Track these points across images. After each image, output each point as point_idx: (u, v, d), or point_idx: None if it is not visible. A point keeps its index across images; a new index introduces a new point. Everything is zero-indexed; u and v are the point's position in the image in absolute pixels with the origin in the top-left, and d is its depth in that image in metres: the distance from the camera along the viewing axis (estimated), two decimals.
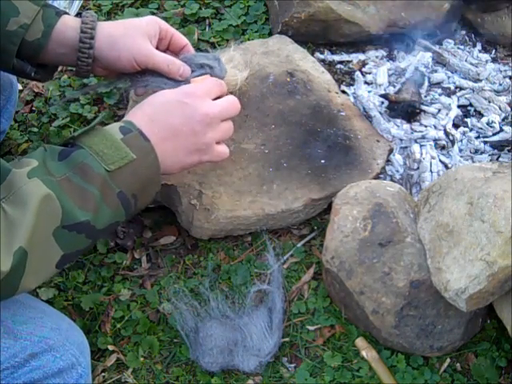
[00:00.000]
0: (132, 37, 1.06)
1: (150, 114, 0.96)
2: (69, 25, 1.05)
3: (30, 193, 0.78)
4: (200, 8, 1.72)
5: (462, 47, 1.60)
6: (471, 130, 1.41)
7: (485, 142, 1.38)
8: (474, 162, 1.36)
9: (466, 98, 1.47)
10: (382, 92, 1.47)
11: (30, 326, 0.91)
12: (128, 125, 0.92)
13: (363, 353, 1.14)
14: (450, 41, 1.60)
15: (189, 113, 0.99)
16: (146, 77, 1.12)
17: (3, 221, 0.76)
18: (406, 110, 1.42)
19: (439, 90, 1.49)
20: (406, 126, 1.42)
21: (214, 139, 1.03)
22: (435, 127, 1.41)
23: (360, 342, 1.15)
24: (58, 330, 0.93)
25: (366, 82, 1.52)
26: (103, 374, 1.14)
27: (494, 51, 1.59)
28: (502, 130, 1.39)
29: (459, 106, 1.46)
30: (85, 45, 1.05)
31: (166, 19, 1.71)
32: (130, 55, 1.06)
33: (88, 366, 0.97)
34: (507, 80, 1.50)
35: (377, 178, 1.30)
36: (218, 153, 1.05)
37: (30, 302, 0.97)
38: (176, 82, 1.11)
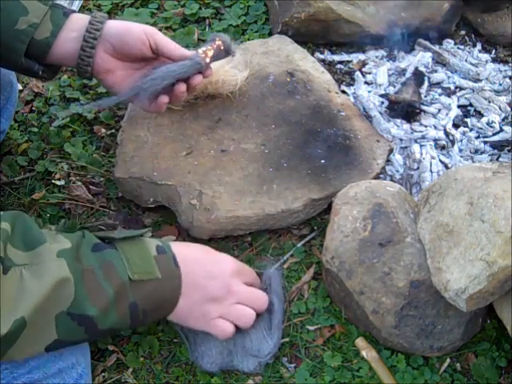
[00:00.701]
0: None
1: (190, 256, 1.01)
2: (77, 24, 1.08)
3: (52, 271, 0.80)
4: (200, 8, 1.72)
5: (461, 47, 1.60)
6: (471, 130, 1.41)
7: (485, 142, 1.38)
8: (474, 161, 1.36)
9: (465, 97, 1.47)
10: (382, 92, 1.47)
11: None
12: (165, 246, 0.95)
13: (363, 353, 1.14)
14: (449, 41, 1.60)
15: (221, 286, 1.03)
16: (152, 74, 1.12)
17: (17, 285, 0.77)
18: (406, 110, 1.42)
19: (439, 90, 1.49)
20: (406, 125, 1.42)
21: (224, 313, 1.05)
22: (435, 127, 1.41)
23: (360, 342, 1.15)
24: None
25: (366, 82, 1.52)
26: (103, 374, 1.14)
27: (494, 51, 1.59)
28: (502, 129, 1.39)
29: (459, 106, 1.46)
30: (88, 44, 1.07)
31: (165, 19, 1.72)
32: (139, 28, 1.10)
33: (88, 365, 0.98)
34: (507, 80, 1.50)
35: (377, 178, 1.30)
36: (221, 328, 1.06)
37: None
38: (184, 63, 1.12)
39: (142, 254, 0.91)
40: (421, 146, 1.38)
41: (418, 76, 1.49)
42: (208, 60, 1.17)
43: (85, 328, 0.84)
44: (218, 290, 1.02)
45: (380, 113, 1.43)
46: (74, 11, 1.09)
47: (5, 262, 0.77)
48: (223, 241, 1.28)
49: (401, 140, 1.39)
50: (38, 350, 0.84)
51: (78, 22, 1.08)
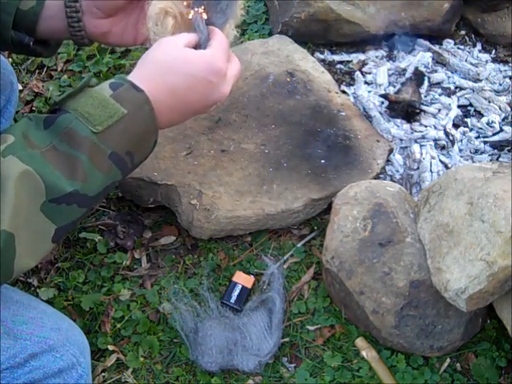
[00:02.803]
0: None
1: (152, 72, 0.88)
2: None
3: (5, 173, 0.74)
4: None
5: (462, 47, 1.60)
6: (471, 130, 1.41)
7: (485, 142, 1.38)
8: (474, 161, 1.36)
9: (465, 97, 1.47)
10: (382, 92, 1.47)
11: (31, 326, 0.91)
12: (118, 79, 0.84)
13: (363, 353, 1.14)
14: (449, 41, 1.60)
15: (209, 93, 0.91)
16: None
17: None
18: (406, 110, 1.42)
19: (439, 90, 1.49)
20: (406, 125, 1.42)
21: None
22: (435, 127, 1.41)
23: (360, 342, 1.15)
24: (59, 330, 0.93)
25: (366, 82, 1.52)
26: (103, 373, 1.14)
27: (494, 51, 1.59)
28: (501, 130, 1.39)
29: (459, 106, 1.46)
30: (71, 9, 1.01)
31: None
32: None
33: (88, 366, 0.97)
34: (507, 80, 1.50)
35: (377, 178, 1.30)
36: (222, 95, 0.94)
37: (31, 302, 0.97)
38: None
39: (96, 101, 0.81)
40: (421, 146, 1.38)
41: (418, 76, 1.49)
42: None
43: (77, 204, 0.79)
44: (211, 102, 0.92)
45: (380, 113, 1.43)
46: None
47: None
48: (223, 241, 1.29)
49: (401, 140, 1.39)
50: (47, 247, 0.80)
51: None
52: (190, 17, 0.98)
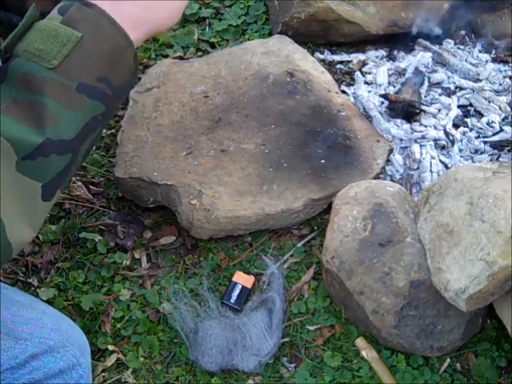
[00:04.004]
0: None
1: None
2: None
3: None
4: (200, 8, 1.72)
5: (462, 47, 1.60)
6: (471, 130, 1.41)
7: (485, 142, 1.38)
8: (474, 161, 1.35)
9: (466, 97, 1.47)
10: (382, 92, 1.47)
11: (31, 326, 0.91)
12: (67, 1, 0.74)
13: (363, 353, 1.14)
14: (449, 41, 1.60)
15: None
16: None
17: None
18: (406, 110, 1.42)
19: (439, 90, 1.49)
20: (406, 125, 1.42)
21: None
22: (435, 127, 1.41)
23: (360, 342, 1.15)
24: (59, 330, 0.93)
25: (366, 82, 1.52)
26: (103, 373, 1.14)
27: (494, 51, 1.59)
28: (501, 130, 1.39)
29: (459, 106, 1.46)
30: None
31: None
32: None
33: (88, 366, 0.97)
34: (507, 80, 1.50)
35: (377, 178, 1.30)
36: None
37: (31, 302, 0.97)
38: None
39: (45, 34, 0.72)
40: (421, 146, 1.38)
41: (418, 76, 1.49)
42: None
43: (56, 153, 0.70)
44: None
45: (380, 113, 1.43)
46: None
47: None
48: (223, 241, 1.29)
49: (401, 140, 1.39)
50: (40, 209, 0.73)
51: None
52: None
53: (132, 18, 0.76)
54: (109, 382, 1.14)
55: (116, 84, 0.75)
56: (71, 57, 0.70)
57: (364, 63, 1.56)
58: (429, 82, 1.50)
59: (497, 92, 1.48)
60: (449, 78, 1.52)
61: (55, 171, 0.72)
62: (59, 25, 0.71)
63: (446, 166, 1.35)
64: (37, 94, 0.69)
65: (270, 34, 1.62)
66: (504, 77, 1.51)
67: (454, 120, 1.42)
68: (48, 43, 0.71)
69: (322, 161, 1.29)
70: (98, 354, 1.16)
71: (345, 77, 1.55)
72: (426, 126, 1.42)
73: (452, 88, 1.49)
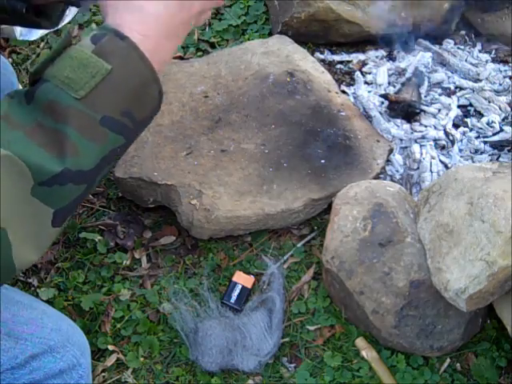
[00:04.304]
0: None
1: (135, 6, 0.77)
2: None
3: None
4: None
5: (462, 47, 1.60)
6: (471, 130, 1.41)
7: (485, 142, 1.38)
8: (474, 161, 1.35)
9: (466, 97, 1.47)
10: (382, 92, 1.47)
11: (31, 326, 0.91)
12: (102, 29, 0.74)
13: (363, 353, 1.14)
14: (449, 41, 1.60)
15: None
16: None
17: None
18: (406, 110, 1.42)
19: (439, 90, 1.49)
20: (406, 126, 1.42)
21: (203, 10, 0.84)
22: (435, 127, 1.41)
23: (360, 342, 1.15)
24: (59, 330, 0.93)
25: (366, 82, 1.52)
26: (103, 373, 1.14)
27: (494, 51, 1.59)
28: (501, 130, 1.39)
29: (459, 106, 1.46)
30: None
31: None
32: None
33: (88, 366, 0.97)
34: (507, 80, 1.50)
35: (377, 178, 1.30)
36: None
37: (31, 302, 0.97)
38: None
39: (75, 62, 0.72)
40: (421, 145, 1.38)
41: (418, 76, 1.49)
42: None
43: (72, 182, 0.71)
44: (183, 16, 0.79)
45: (380, 113, 1.43)
46: None
47: None
48: (223, 241, 1.29)
49: (401, 140, 1.39)
50: (48, 234, 0.73)
51: None
52: None
53: (160, 54, 0.77)
54: (109, 382, 1.14)
55: (139, 118, 0.75)
56: (98, 89, 0.71)
57: (364, 63, 1.56)
58: (429, 82, 1.50)
59: (497, 92, 1.48)
60: (449, 78, 1.52)
61: (69, 199, 0.73)
62: (90, 54, 0.71)
63: (446, 166, 1.35)
64: (60, 123, 0.70)
65: (270, 34, 1.62)
66: (504, 77, 1.51)
67: (454, 120, 1.42)
68: (77, 72, 0.71)
69: (322, 161, 1.29)
70: (98, 353, 1.16)
71: (345, 77, 1.55)
72: (426, 126, 1.42)
73: (452, 88, 1.49)
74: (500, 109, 1.43)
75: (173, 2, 0.78)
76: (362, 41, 1.58)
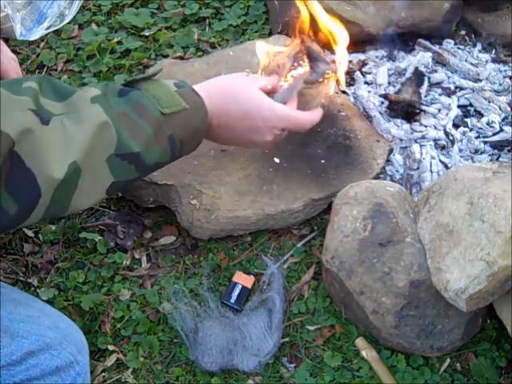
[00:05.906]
0: None
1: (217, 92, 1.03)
2: None
3: (90, 116, 0.81)
4: (200, 8, 1.72)
5: (461, 47, 1.60)
6: (471, 130, 1.41)
7: (485, 142, 1.38)
8: (474, 161, 1.35)
9: (466, 97, 1.47)
10: (382, 92, 1.47)
11: (28, 324, 0.91)
12: (181, 82, 0.97)
13: (363, 353, 1.14)
14: (449, 41, 1.60)
15: (254, 135, 1.07)
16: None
17: (61, 133, 0.78)
18: (406, 110, 1.42)
19: (439, 90, 1.49)
20: (406, 126, 1.41)
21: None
22: (435, 127, 1.41)
23: (360, 342, 1.15)
24: (56, 328, 0.93)
25: (366, 82, 1.52)
26: (103, 374, 1.14)
27: (494, 51, 1.59)
28: (502, 130, 1.39)
29: (459, 106, 1.45)
30: None
31: (165, 19, 1.72)
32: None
33: (86, 364, 0.97)
34: (507, 80, 1.50)
35: (377, 178, 1.30)
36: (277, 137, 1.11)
37: (28, 300, 0.97)
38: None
39: (164, 90, 0.92)
40: (421, 145, 1.38)
41: (418, 76, 1.49)
42: None
43: (135, 166, 0.87)
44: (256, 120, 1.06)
45: (380, 113, 1.43)
46: None
47: (42, 113, 0.78)
48: (223, 241, 1.29)
49: (401, 140, 1.39)
50: (100, 195, 0.87)
51: None
52: (291, 80, 1.13)
53: (214, 129, 1.02)
54: (109, 381, 1.14)
55: (183, 151, 0.97)
56: (176, 115, 0.91)
57: (364, 63, 1.56)
58: (429, 82, 1.50)
59: (497, 92, 1.48)
60: (449, 77, 1.52)
61: (127, 178, 0.88)
62: (175, 92, 0.93)
63: (446, 166, 1.35)
64: (144, 121, 0.87)
65: (270, 34, 1.62)
66: (504, 77, 1.51)
67: (454, 120, 1.42)
68: (166, 97, 0.92)
69: (322, 161, 1.29)
70: (97, 353, 1.16)
71: (345, 77, 1.55)
72: (426, 126, 1.42)
73: (452, 88, 1.49)
74: (500, 109, 1.43)
75: (255, 124, 1.05)
76: (362, 41, 1.58)
